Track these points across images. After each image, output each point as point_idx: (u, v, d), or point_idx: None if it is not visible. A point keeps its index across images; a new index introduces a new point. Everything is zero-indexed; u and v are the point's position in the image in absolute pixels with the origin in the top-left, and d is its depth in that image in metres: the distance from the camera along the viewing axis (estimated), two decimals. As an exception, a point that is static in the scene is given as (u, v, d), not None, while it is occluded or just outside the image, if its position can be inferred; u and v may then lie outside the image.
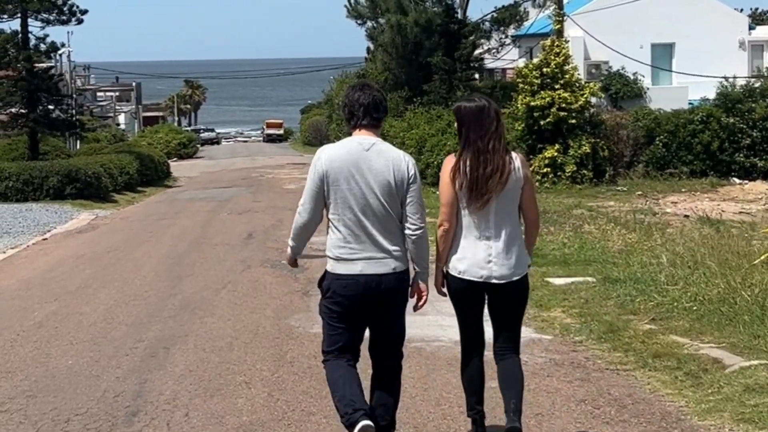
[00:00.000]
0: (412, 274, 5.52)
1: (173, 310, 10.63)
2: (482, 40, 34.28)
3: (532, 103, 28.17)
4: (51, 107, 36.74)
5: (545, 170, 28.27)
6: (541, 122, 28.19)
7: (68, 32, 61.04)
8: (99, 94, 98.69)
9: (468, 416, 5.79)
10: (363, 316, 5.38)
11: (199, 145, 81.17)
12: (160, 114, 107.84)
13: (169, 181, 41.20)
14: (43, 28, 35.79)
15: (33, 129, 35.74)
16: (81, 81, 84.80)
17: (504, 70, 45.98)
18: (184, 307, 10.84)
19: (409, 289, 5.51)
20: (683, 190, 27.50)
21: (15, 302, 11.68)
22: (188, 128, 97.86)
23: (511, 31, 35.18)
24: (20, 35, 35.33)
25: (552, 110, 27.86)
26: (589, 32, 33.52)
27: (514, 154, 5.55)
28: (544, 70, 28.50)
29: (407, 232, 5.37)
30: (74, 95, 59.78)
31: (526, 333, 9.15)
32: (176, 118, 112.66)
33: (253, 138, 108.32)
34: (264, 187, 34.32)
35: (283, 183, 35.79)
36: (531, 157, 28.65)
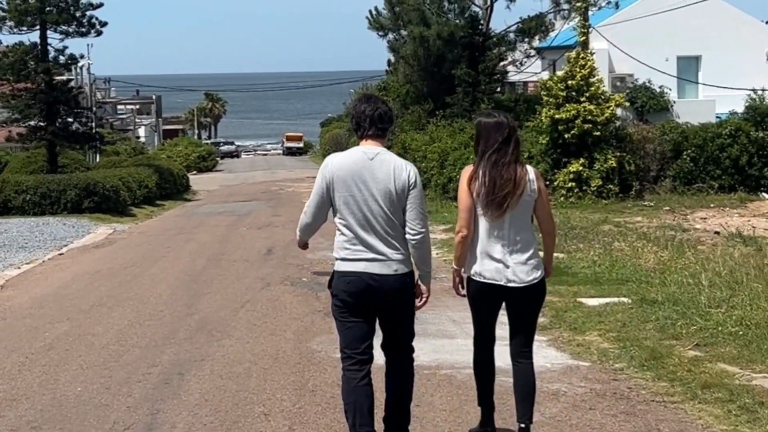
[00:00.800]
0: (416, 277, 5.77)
1: (189, 332, 10.16)
2: (507, 52, 33.73)
3: (557, 116, 27.61)
4: (70, 120, 36.52)
5: (570, 185, 27.69)
6: (566, 135, 27.62)
7: (88, 45, 60.86)
8: (119, 107, 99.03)
9: (478, 405, 6.22)
10: (369, 312, 5.62)
11: (218, 159, 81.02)
12: (180, 127, 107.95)
13: (188, 194, 40.92)
14: (62, 40, 35.75)
15: (51, 142, 35.52)
16: (101, 94, 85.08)
17: (526, 83, 45.49)
18: (201, 327, 10.36)
19: (414, 290, 5.75)
20: (712, 205, 26.81)
21: (26, 321, 11.24)
22: (208, 141, 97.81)
23: (535, 43, 34.60)
24: (39, 47, 35.13)
25: (577, 122, 27.30)
26: (615, 44, 32.93)
27: (528, 168, 5.89)
28: (569, 82, 27.93)
29: (408, 236, 5.61)
30: (94, 108, 59.79)
31: (563, 359, 8.65)
32: (196, 131, 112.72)
33: (272, 151, 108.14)
34: (284, 200, 33.93)
35: (303, 197, 35.35)
36: (555, 171, 28.14)
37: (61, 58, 35.83)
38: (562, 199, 27.55)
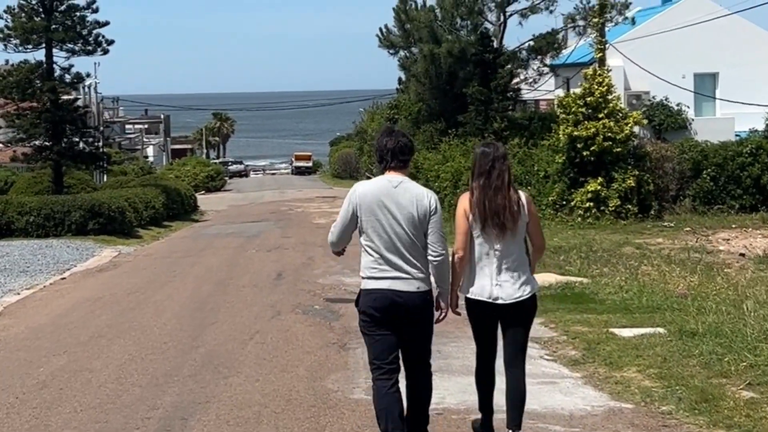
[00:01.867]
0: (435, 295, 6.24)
1: (194, 368, 9.41)
2: (519, 69, 32.96)
3: (575, 134, 26.90)
4: (76, 139, 35.80)
5: (588, 204, 26.93)
6: (584, 153, 26.89)
7: (95, 63, 60.19)
8: (128, 126, 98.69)
9: (479, 409, 6.63)
10: (393, 326, 6.05)
11: (227, 178, 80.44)
12: (189, 147, 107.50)
13: (196, 215, 40.25)
14: (68, 58, 34.98)
15: (57, 162, 34.82)
16: (109, 113, 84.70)
17: (537, 101, 44.72)
18: (207, 363, 9.61)
19: (433, 307, 6.22)
20: (733, 226, 25.99)
21: (20, 354, 10.51)
22: (216, 161, 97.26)
23: (548, 60, 33.82)
24: (45, 66, 34.52)
25: (597, 140, 26.57)
26: (632, 60, 32.19)
27: (521, 193, 6.34)
28: (588, 99, 27.24)
29: (429, 257, 6.08)
30: (101, 127, 59.30)
31: (602, 400, 7.90)
32: (204, 151, 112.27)
33: (281, 170, 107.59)
34: (293, 221, 33.24)
35: (313, 217, 34.69)
36: (572, 190, 27.41)
37: (67, 77, 35.10)
38: (579, 219, 26.81)
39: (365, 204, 6.09)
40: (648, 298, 13.19)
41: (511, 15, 31.97)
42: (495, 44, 30.99)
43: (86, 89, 60.45)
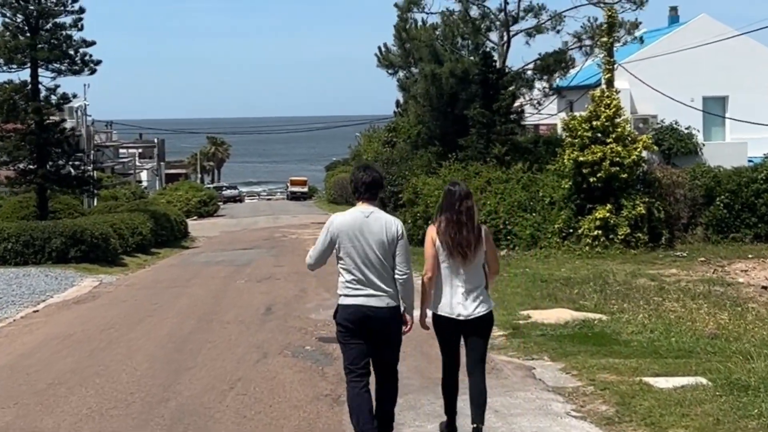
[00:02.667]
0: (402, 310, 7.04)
1: (162, 427, 8.00)
2: (523, 90, 31.60)
3: (581, 159, 25.61)
4: (62, 163, 34.44)
5: (596, 233, 25.60)
6: (591, 179, 25.59)
7: (84, 85, 58.99)
8: (121, 150, 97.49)
9: (445, 412, 7.44)
10: (365, 336, 6.89)
11: (221, 203, 79.11)
12: (183, 171, 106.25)
13: (186, 241, 38.88)
14: (54, 78, 33.69)
15: (41, 186, 33.44)
16: (101, 137, 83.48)
17: (537, 125, 43.41)
18: (177, 420, 8.21)
19: (401, 321, 7.03)
20: (750, 256, 24.65)
21: (-35, 406, 9.09)
22: (210, 185, 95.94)
23: (556, 80, 32.43)
24: (30, 86, 33.24)
25: (603, 165, 25.28)
26: (644, 81, 30.92)
27: (482, 227, 7.24)
28: (594, 123, 25.97)
29: (396, 276, 6.92)
30: (92, 151, 58.00)
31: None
32: (199, 176, 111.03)
33: (277, 196, 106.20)
34: (287, 248, 31.90)
35: (307, 244, 33.30)
36: (579, 218, 26.09)
37: (53, 98, 33.76)
38: (587, 248, 25.47)
39: (342, 233, 6.91)
40: (677, 339, 11.89)
41: (515, 34, 30.64)
42: (498, 64, 29.59)
43: (77, 112, 59.39)
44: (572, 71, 32.62)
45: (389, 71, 33.86)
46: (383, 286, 6.84)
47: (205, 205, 64.71)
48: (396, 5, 31.17)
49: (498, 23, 30.29)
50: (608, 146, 25.53)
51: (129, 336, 13.32)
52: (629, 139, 26.14)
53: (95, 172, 65.45)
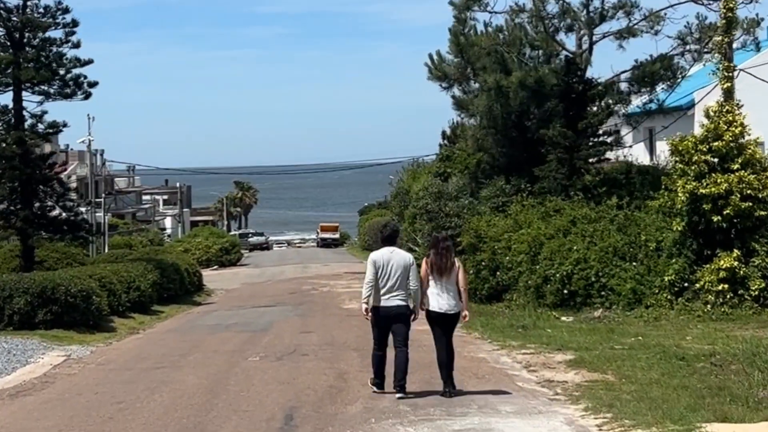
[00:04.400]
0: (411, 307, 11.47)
1: None
2: (619, 106, 25.50)
3: (700, 191, 19.59)
4: (49, 203, 28.90)
5: (720, 287, 19.44)
6: (714, 218, 19.57)
7: (88, 116, 53.49)
8: (145, 197, 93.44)
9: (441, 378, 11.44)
10: (388, 325, 11.31)
11: (246, 251, 73.64)
12: (210, 218, 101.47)
13: (200, 295, 33.28)
14: (41, 103, 28.30)
15: (23, 230, 27.88)
16: (120, 183, 78.73)
17: (600, 160, 37.31)
18: None
19: (411, 314, 11.44)
20: None
21: None
22: (235, 232, 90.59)
23: (660, 92, 26.23)
24: (12, 111, 27.85)
25: (731, 199, 19.29)
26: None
27: (455, 260, 11.52)
28: (713, 144, 20.01)
29: (409, 288, 11.31)
30: (107, 194, 52.75)
31: None
32: (225, 222, 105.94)
33: (308, 243, 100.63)
34: (317, 305, 26.14)
35: (342, 300, 27.50)
36: (695, 268, 20.01)
37: (40, 126, 28.30)
38: (708, 307, 19.38)
39: (380, 262, 11.28)
40: None
41: (599, 39, 24.62)
42: (581, 74, 23.51)
43: (91, 152, 54.23)
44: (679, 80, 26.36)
45: (442, 84, 27.68)
46: (402, 293, 11.28)
47: (227, 253, 59.15)
48: (451, 3, 25.15)
49: (580, 23, 24.25)
50: (736, 174, 19.55)
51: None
52: (760, 165, 20.14)
53: (109, 217, 60.40)
